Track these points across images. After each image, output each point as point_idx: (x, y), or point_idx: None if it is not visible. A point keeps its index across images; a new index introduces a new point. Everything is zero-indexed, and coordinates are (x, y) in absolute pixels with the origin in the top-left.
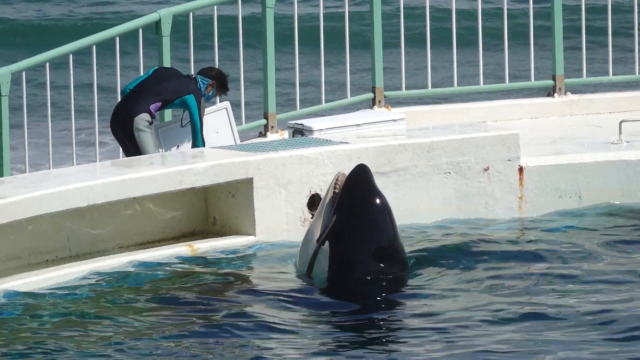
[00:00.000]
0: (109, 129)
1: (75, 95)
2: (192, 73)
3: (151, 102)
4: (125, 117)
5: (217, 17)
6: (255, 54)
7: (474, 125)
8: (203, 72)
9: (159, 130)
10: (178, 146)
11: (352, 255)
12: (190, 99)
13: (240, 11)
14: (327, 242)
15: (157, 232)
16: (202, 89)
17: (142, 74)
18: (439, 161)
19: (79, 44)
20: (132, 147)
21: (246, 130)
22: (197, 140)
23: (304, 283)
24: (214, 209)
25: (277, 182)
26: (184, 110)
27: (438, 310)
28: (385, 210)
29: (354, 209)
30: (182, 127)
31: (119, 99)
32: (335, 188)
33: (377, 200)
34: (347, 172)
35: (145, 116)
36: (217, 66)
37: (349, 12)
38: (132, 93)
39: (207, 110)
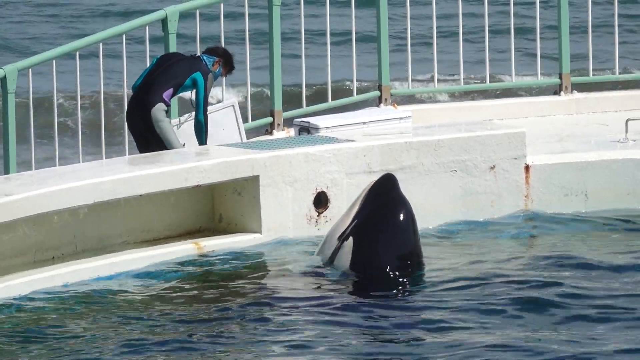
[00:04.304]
0: (115, 126)
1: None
2: (197, 53)
3: (163, 90)
4: (142, 111)
5: (224, 14)
6: (261, 50)
7: (480, 124)
8: (209, 51)
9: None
10: (184, 144)
11: (374, 253)
12: (198, 76)
13: (247, 8)
14: (350, 239)
15: (163, 230)
16: (209, 66)
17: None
18: (445, 159)
19: (85, 42)
20: (153, 139)
21: (252, 128)
22: (199, 114)
23: (311, 279)
24: (220, 206)
25: (283, 179)
26: (191, 92)
27: (444, 306)
28: (409, 215)
29: (382, 211)
30: (193, 106)
31: (128, 96)
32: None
33: (403, 205)
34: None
35: (161, 106)
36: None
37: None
38: (143, 86)
39: (214, 107)
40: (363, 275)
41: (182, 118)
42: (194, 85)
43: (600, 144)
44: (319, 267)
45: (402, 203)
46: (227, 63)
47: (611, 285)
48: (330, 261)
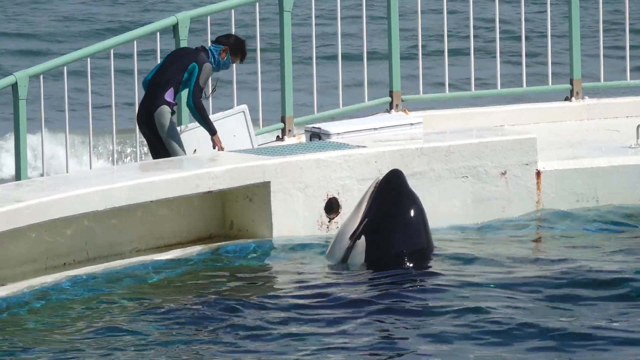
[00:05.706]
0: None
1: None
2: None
3: (164, 92)
4: (147, 114)
5: (235, 20)
6: (272, 57)
7: (491, 130)
8: (218, 40)
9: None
10: (195, 150)
11: (388, 251)
12: (193, 66)
13: (258, 14)
14: (362, 237)
15: (174, 236)
16: (215, 56)
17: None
18: (456, 165)
19: (97, 48)
20: (159, 145)
21: (263, 134)
22: (189, 100)
23: (323, 280)
24: (231, 212)
25: (294, 185)
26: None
27: (456, 308)
28: (419, 210)
29: (391, 207)
30: (213, 94)
31: (139, 93)
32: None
33: (412, 200)
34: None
35: (164, 108)
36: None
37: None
38: (149, 87)
39: (224, 113)
40: (377, 273)
41: (184, 127)
42: (191, 75)
43: (611, 149)
44: (330, 268)
45: (412, 198)
46: (238, 50)
47: (622, 290)
48: (343, 261)
